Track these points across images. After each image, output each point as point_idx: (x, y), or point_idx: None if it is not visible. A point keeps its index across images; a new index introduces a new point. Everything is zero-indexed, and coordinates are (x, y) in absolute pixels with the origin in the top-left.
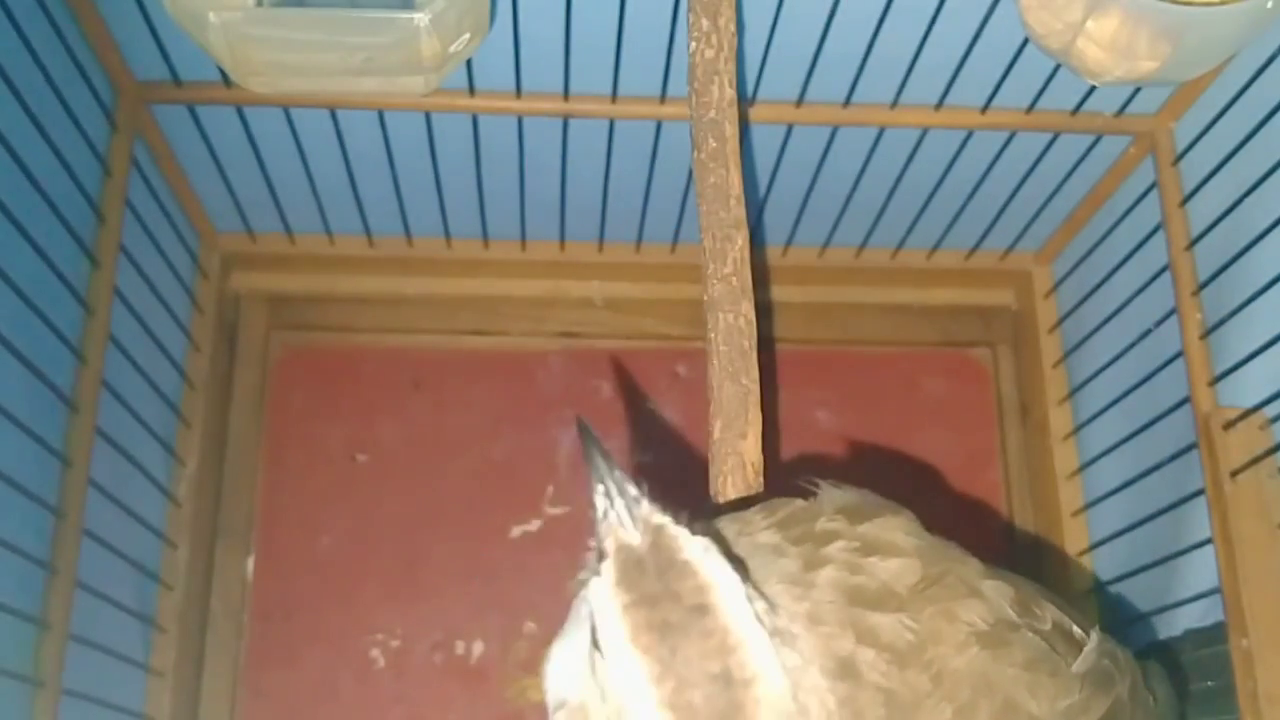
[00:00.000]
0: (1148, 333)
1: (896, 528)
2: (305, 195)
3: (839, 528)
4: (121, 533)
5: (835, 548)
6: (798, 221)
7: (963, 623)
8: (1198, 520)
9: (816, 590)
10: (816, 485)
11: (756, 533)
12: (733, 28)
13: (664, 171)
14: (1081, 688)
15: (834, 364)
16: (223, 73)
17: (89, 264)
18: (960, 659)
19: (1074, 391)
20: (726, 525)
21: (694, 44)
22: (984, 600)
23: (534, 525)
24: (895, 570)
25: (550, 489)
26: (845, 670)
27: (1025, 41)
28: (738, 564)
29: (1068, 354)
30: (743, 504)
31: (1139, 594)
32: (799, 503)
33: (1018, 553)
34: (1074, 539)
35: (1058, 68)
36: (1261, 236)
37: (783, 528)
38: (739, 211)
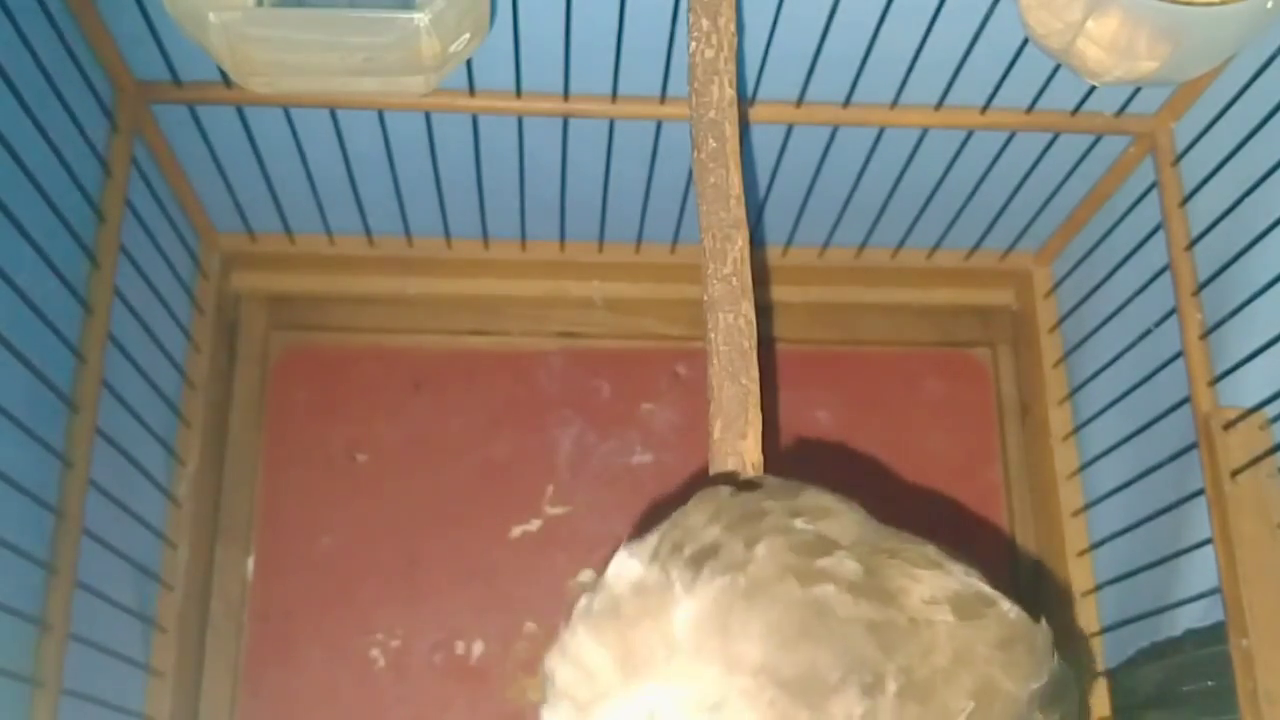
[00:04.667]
0: (1148, 333)
1: (831, 498)
2: (305, 195)
3: (771, 505)
4: (121, 533)
5: (768, 521)
6: (798, 221)
7: (930, 584)
8: (1198, 520)
9: (754, 563)
10: (758, 478)
11: (699, 534)
12: (733, 28)
13: (664, 171)
14: (1050, 681)
15: (834, 364)
16: (223, 73)
17: (89, 264)
18: (936, 618)
19: (1074, 391)
20: (666, 536)
21: (694, 44)
22: (949, 573)
23: (534, 525)
24: (831, 526)
25: (550, 489)
26: (807, 609)
27: (1025, 41)
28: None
29: (1068, 354)
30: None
31: (1139, 594)
32: (724, 491)
33: (1018, 552)
34: (1074, 539)
35: (1058, 68)
36: (1261, 236)
37: (716, 519)
38: (739, 211)
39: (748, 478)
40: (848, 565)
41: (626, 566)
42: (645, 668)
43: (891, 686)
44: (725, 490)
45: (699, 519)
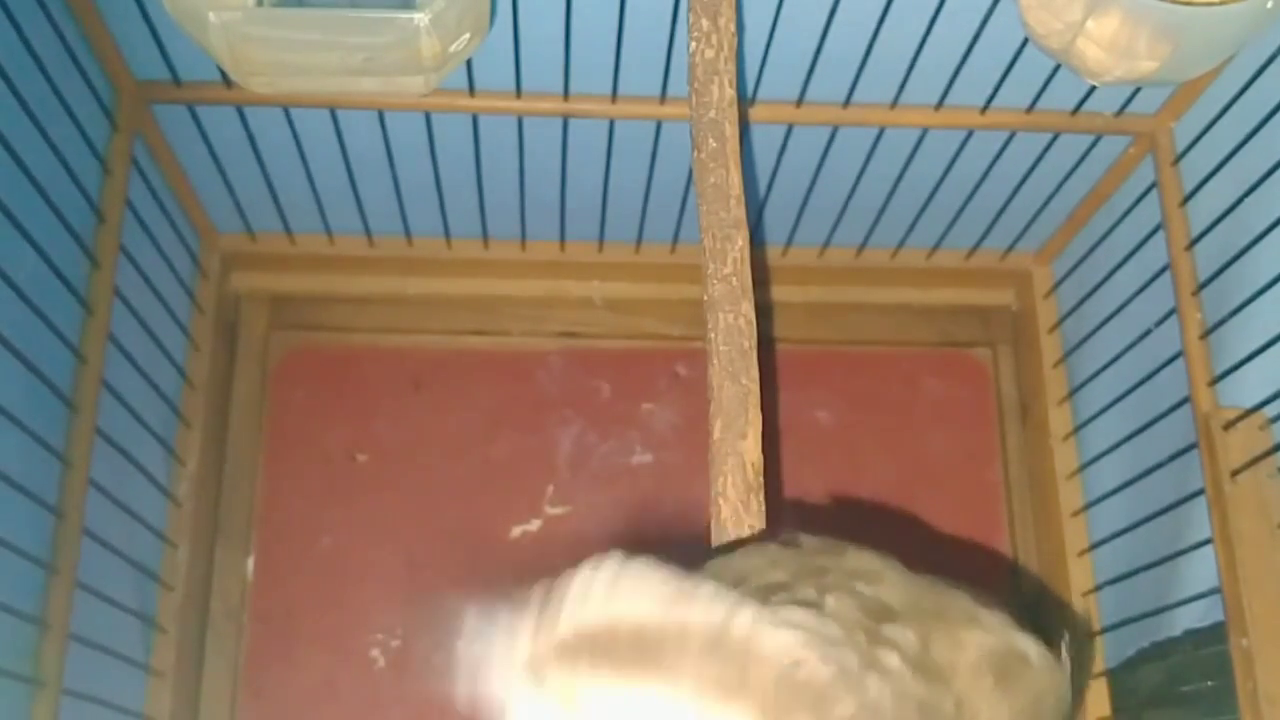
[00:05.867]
0: (1148, 333)
1: (875, 558)
2: (305, 195)
3: (827, 563)
4: (121, 533)
5: (832, 578)
6: (798, 221)
7: (973, 649)
8: (1198, 520)
9: (828, 609)
10: (795, 536)
11: (764, 572)
12: (733, 28)
13: (664, 171)
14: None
15: (834, 364)
16: (223, 73)
17: (89, 264)
18: (977, 692)
19: (1074, 391)
20: (724, 569)
21: (694, 44)
22: (987, 629)
23: (534, 525)
24: (885, 591)
25: (550, 489)
26: (878, 671)
27: (1025, 41)
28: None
29: (1068, 354)
30: (727, 549)
31: (1139, 594)
32: (772, 546)
33: (1018, 552)
34: (1074, 539)
35: (1058, 68)
36: (1261, 236)
37: (776, 566)
38: (739, 211)
39: (784, 536)
40: (909, 637)
41: None
42: None
43: None
44: (773, 545)
45: (758, 562)
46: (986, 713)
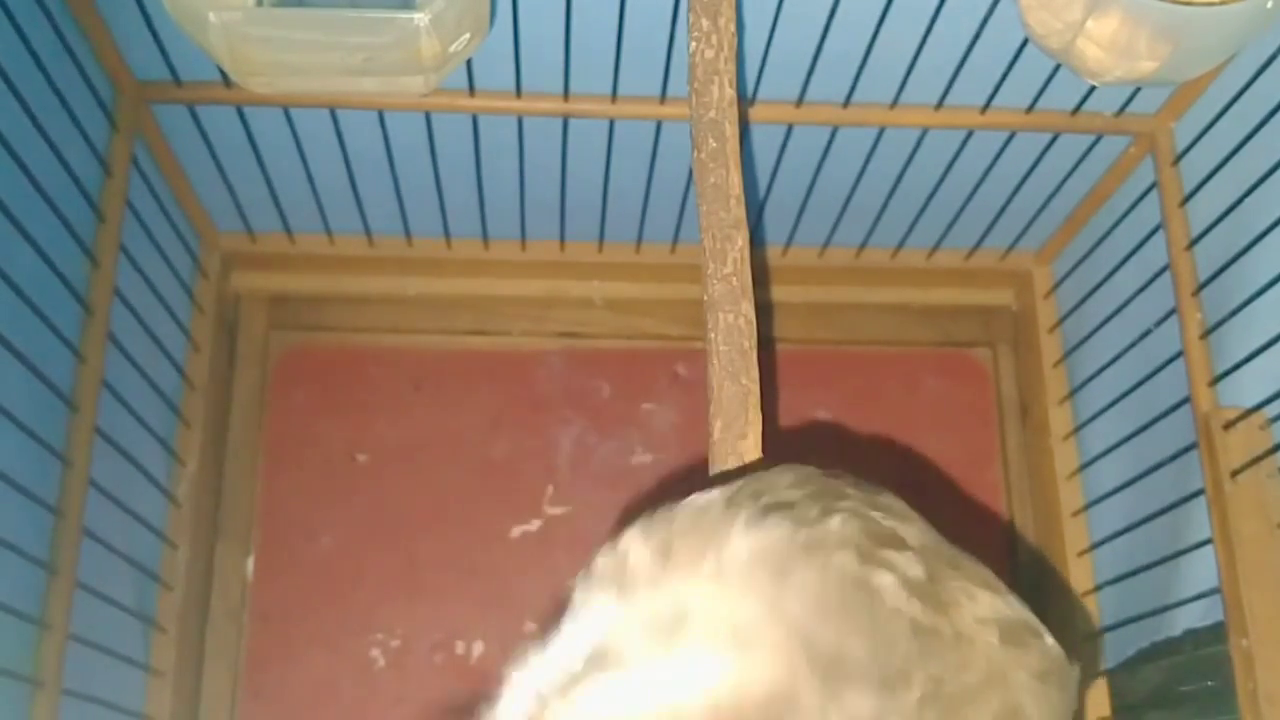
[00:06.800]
0: (1148, 333)
1: (910, 508)
2: (305, 195)
3: (853, 492)
4: (121, 533)
5: (847, 502)
6: (798, 221)
7: (985, 604)
8: (1198, 520)
9: (822, 527)
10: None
11: (779, 491)
12: (733, 28)
13: (664, 171)
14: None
15: (834, 364)
16: (223, 73)
17: (89, 264)
18: (980, 638)
19: (1074, 391)
20: (747, 484)
21: (694, 44)
22: (1005, 599)
23: (534, 525)
24: (905, 529)
25: (550, 489)
26: (858, 587)
27: (1025, 41)
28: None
29: (1068, 354)
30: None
31: (1139, 594)
32: (810, 467)
33: (1018, 552)
34: (1074, 539)
35: (1058, 68)
36: (1261, 236)
37: (799, 485)
38: (739, 211)
39: (828, 470)
40: (914, 567)
41: (699, 496)
42: (684, 568)
43: (915, 691)
44: (812, 467)
45: (783, 480)
46: (985, 661)
